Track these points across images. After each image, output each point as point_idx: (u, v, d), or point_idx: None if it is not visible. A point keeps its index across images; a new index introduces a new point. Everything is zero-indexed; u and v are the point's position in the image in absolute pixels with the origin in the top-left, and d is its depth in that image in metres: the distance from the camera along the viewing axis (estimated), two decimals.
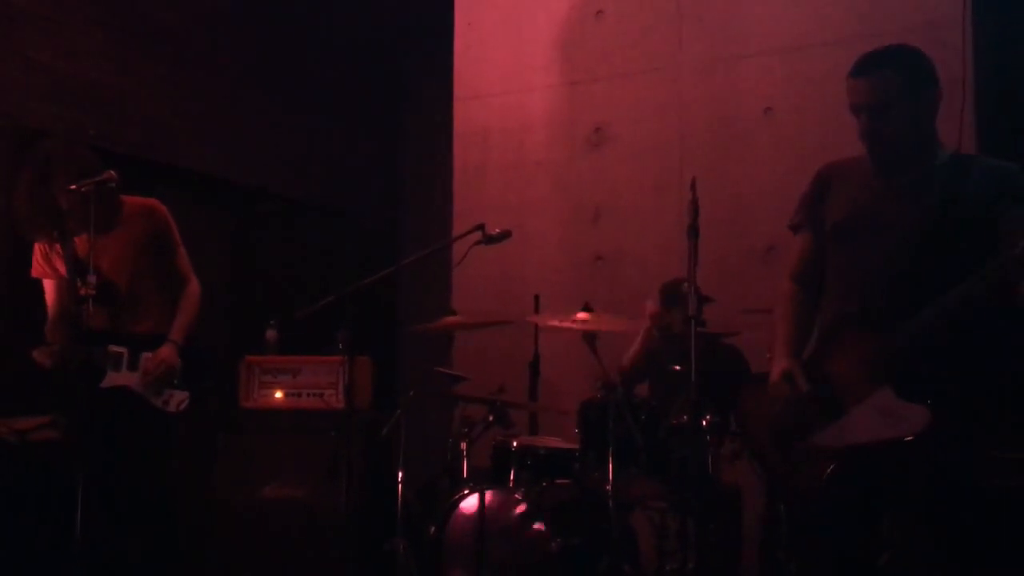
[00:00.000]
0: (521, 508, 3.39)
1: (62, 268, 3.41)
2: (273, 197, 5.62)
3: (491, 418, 3.76)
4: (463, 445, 3.77)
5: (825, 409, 2.31)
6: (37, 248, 3.50)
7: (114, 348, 3.41)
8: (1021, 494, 2.58)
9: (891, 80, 2.37)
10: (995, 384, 2.29)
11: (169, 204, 3.69)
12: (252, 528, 4.14)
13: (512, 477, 3.62)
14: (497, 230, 3.72)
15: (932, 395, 2.16)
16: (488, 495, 3.42)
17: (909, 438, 2.16)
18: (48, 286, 3.52)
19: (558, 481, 3.66)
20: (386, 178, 6.20)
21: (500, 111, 5.24)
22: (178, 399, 3.48)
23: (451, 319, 3.93)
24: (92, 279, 3.09)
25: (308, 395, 4.41)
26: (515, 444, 3.74)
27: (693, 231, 3.32)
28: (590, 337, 3.55)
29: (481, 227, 3.67)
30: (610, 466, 3.35)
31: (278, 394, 4.44)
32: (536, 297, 4.44)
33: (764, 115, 4.61)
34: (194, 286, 3.65)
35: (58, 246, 3.38)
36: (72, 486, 3.07)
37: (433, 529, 3.51)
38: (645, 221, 4.83)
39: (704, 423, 3.35)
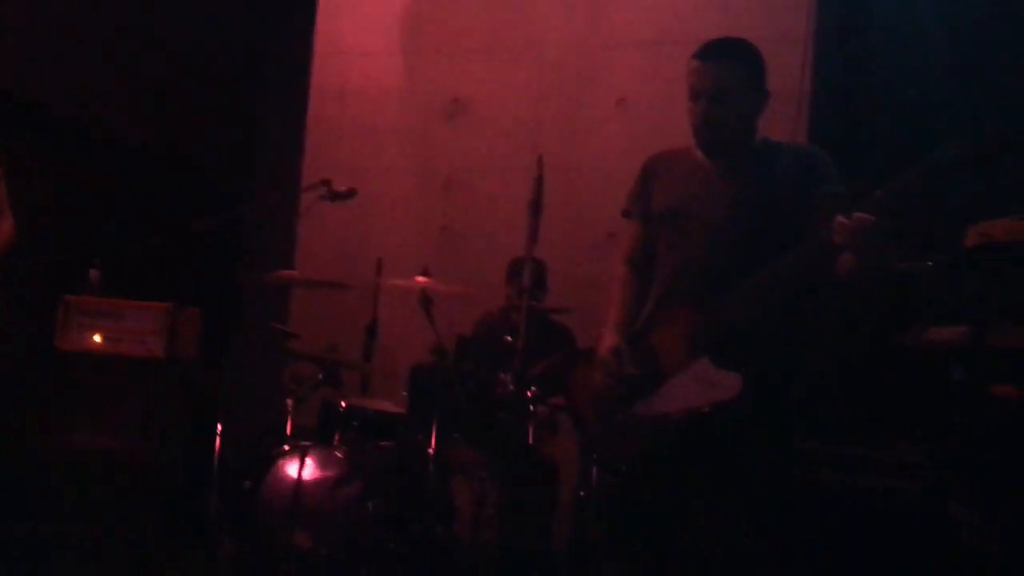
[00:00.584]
0: (340, 468, 3.36)
1: None
2: (109, 134, 5.32)
3: (320, 377, 3.71)
4: (289, 402, 3.71)
5: (648, 381, 2.40)
6: None
7: None
8: (828, 489, 2.77)
9: (735, 69, 2.47)
10: (806, 362, 2.45)
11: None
12: (62, 475, 3.94)
13: (337, 437, 3.60)
14: (343, 188, 3.67)
15: (745, 365, 2.27)
16: (308, 453, 3.38)
17: (720, 401, 2.26)
18: None
19: (382, 443, 3.66)
20: (240, 128, 5.99)
21: (359, 72, 5.16)
22: None
23: (286, 273, 3.85)
24: None
25: (129, 341, 4.23)
26: (343, 404, 3.71)
27: (535, 206, 3.39)
28: (426, 302, 3.56)
29: (327, 183, 3.61)
30: (433, 431, 3.37)
31: (97, 337, 4.24)
32: (378, 260, 4.40)
33: (616, 106, 4.73)
34: (8, 224, 3.43)
35: None
36: None
37: (248, 484, 3.43)
38: (494, 197, 4.86)
39: (528, 394, 3.43)
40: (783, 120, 4.25)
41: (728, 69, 2.47)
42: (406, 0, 5.12)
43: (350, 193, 3.64)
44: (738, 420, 2.28)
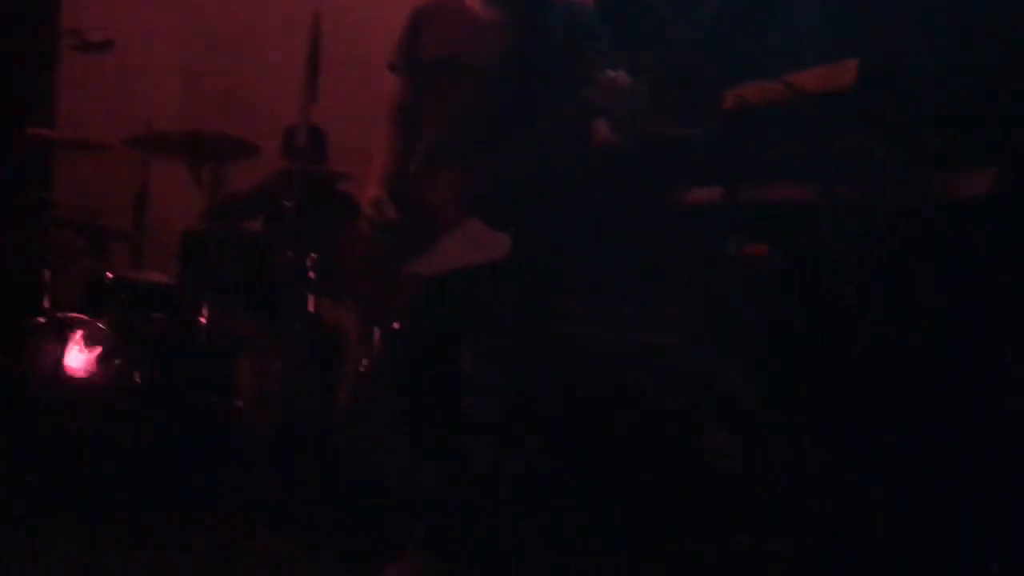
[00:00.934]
0: (104, 340, 3.17)
1: None
2: None
3: (82, 246, 3.45)
4: (47, 274, 3.44)
5: (416, 239, 2.35)
6: None
7: None
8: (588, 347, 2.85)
9: None
10: (573, 223, 2.47)
11: None
12: None
13: (101, 311, 3.38)
14: (98, 38, 3.34)
15: (515, 226, 2.26)
16: (67, 327, 3.17)
17: (488, 261, 2.26)
18: None
19: (154, 316, 3.48)
20: None
21: None
22: None
23: (40, 131, 3.50)
24: None
25: None
26: (109, 276, 3.48)
27: (311, 67, 3.23)
28: (196, 167, 3.35)
29: (78, 32, 3.27)
30: (207, 302, 3.22)
31: None
32: (148, 122, 4.08)
33: None
34: None
35: None
36: None
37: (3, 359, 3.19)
38: (272, 59, 4.59)
39: (309, 262, 3.33)
40: None
41: None
42: None
43: (106, 44, 3.32)
44: (505, 279, 2.28)
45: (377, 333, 3.23)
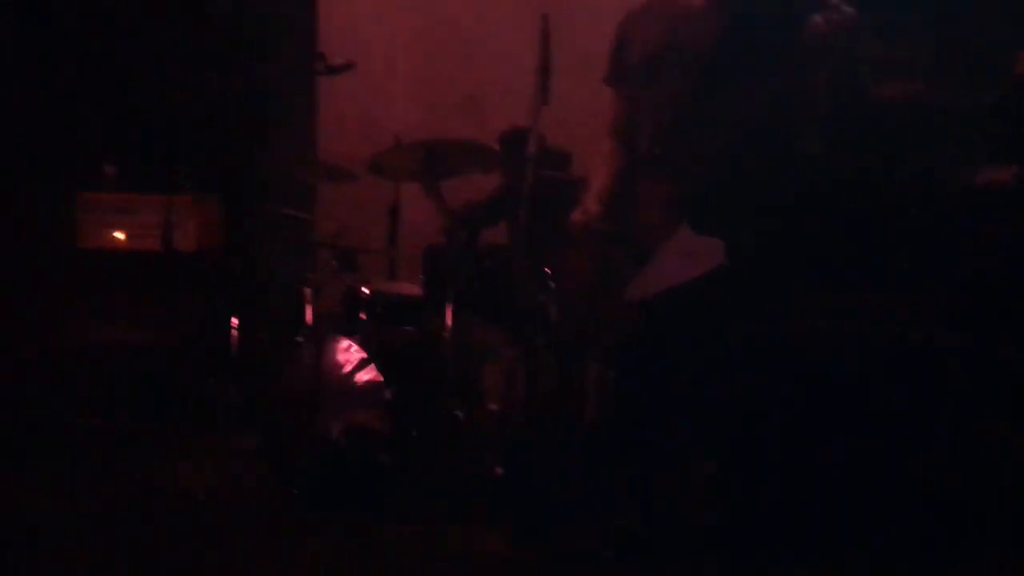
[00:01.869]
0: (357, 355, 3.26)
1: None
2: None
3: (333, 263, 3.58)
4: (307, 291, 3.61)
5: (630, 257, 2.20)
6: None
7: None
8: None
9: None
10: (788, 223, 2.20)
11: None
12: (84, 371, 3.95)
13: (359, 324, 3.50)
14: (340, 60, 3.44)
15: (727, 230, 2.05)
16: (324, 342, 3.29)
17: (701, 275, 2.07)
18: None
19: (405, 329, 3.55)
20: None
21: None
22: None
23: (302, 160, 3.67)
24: None
25: (147, 236, 4.15)
26: (365, 290, 3.59)
27: (542, 69, 3.13)
28: (430, 180, 3.36)
29: (320, 56, 3.38)
30: (448, 313, 3.22)
31: (119, 234, 4.17)
32: (396, 136, 4.19)
33: None
34: None
35: None
36: None
37: (268, 376, 3.38)
38: (517, 60, 4.55)
39: (547, 270, 3.24)
40: None
41: None
42: None
43: (347, 66, 3.40)
44: (726, 287, 2.06)
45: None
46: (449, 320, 3.21)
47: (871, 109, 2.27)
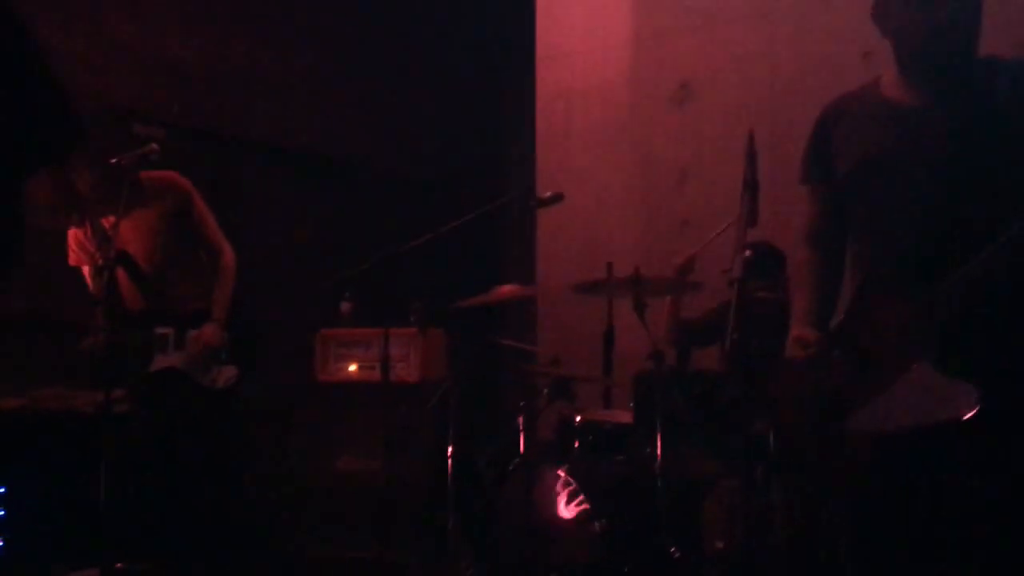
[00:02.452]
0: (565, 487, 3.21)
1: (96, 253, 3.39)
2: (354, 166, 5.56)
3: (546, 392, 3.59)
4: (520, 419, 3.62)
5: (861, 386, 1.99)
6: (71, 235, 3.46)
7: (160, 329, 3.43)
8: None
9: None
10: None
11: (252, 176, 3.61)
12: (326, 500, 4.15)
13: (571, 453, 3.46)
14: (548, 193, 3.54)
15: (980, 370, 1.82)
16: (534, 472, 3.26)
17: (959, 420, 1.82)
18: (86, 272, 3.52)
19: (616, 457, 3.46)
20: (476, 147, 6.06)
21: (582, 70, 5.01)
22: (226, 375, 3.48)
23: (504, 289, 3.76)
24: (111, 253, 3.09)
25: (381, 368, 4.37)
26: (578, 419, 3.57)
27: (750, 186, 3.05)
28: (640, 305, 3.32)
29: (529, 190, 3.50)
30: (658, 442, 3.11)
31: (352, 367, 4.42)
32: (609, 265, 4.21)
33: (863, 60, 4.18)
34: (228, 256, 3.54)
35: (88, 230, 3.39)
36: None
37: (480, 505, 3.39)
38: (734, 183, 4.48)
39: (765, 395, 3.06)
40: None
41: None
42: None
43: (556, 198, 3.50)
44: (977, 438, 1.81)
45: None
46: (659, 449, 3.09)
47: None
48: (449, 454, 3.56)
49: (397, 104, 5.70)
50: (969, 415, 1.81)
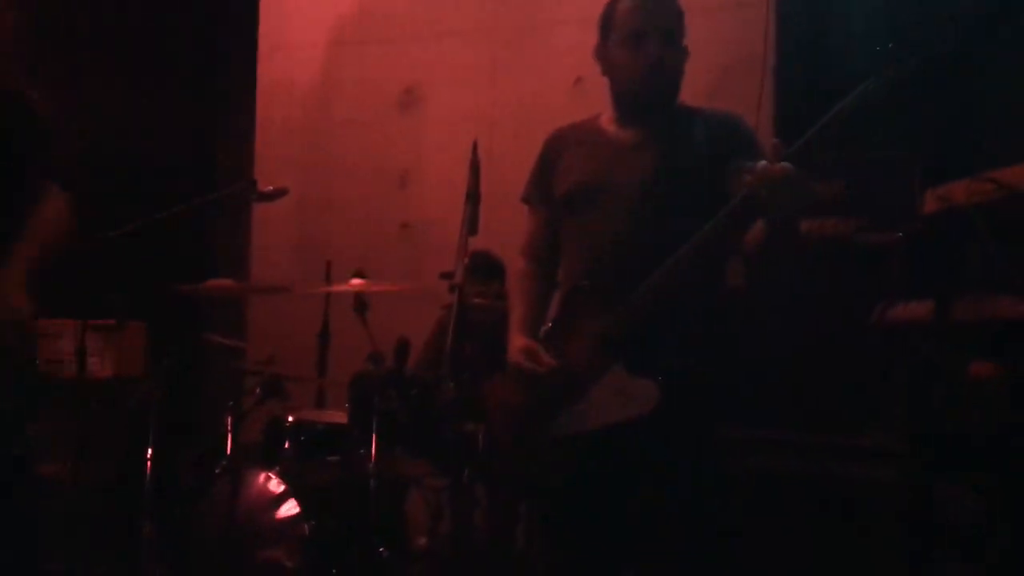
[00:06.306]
0: (277, 488, 3.13)
1: None
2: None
3: (258, 391, 3.48)
4: (228, 419, 3.48)
5: (564, 392, 2.14)
6: None
7: None
8: (769, 475, 2.52)
9: (674, 9, 2.23)
10: (723, 355, 2.19)
11: None
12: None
13: (282, 454, 3.38)
14: (271, 187, 3.44)
15: (660, 369, 2.03)
16: (242, 474, 3.16)
17: (637, 416, 2.02)
18: None
19: (329, 459, 3.43)
20: (190, 132, 5.75)
21: (306, 64, 4.93)
22: None
23: (217, 282, 3.62)
24: None
25: (70, 363, 4.01)
26: (289, 418, 3.49)
27: (472, 196, 3.15)
28: (361, 306, 3.32)
29: (252, 183, 3.38)
30: (373, 443, 3.13)
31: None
32: (328, 263, 4.17)
33: (575, 84, 4.47)
34: None
35: None
36: None
37: (180, 512, 3.22)
38: (454, 189, 4.60)
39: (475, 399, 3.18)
40: (746, 87, 3.98)
41: (673, 6, 2.23)
42: None
43: (279, 192, 3.40)
44: (655, 430, 2.02)
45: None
46: (374, 450, 3.11)
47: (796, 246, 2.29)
48: (148, 456, 3.35)
49: (106, 80, 5.27)
50: (648, 410, 2.02)
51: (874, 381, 2.61)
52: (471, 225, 3.17)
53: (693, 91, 2.36)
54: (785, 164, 1.86)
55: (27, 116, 2.63)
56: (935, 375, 2.52)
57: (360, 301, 3.34)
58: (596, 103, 4.35)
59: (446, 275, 3.71)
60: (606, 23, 2.26)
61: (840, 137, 1.91)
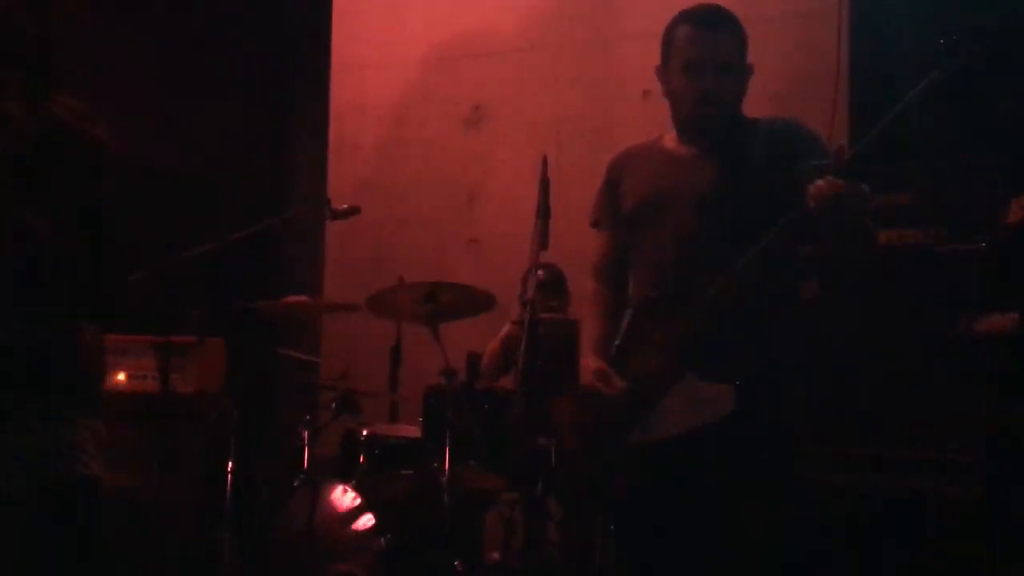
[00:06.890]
0: (352, 501, 3.18)
1: None
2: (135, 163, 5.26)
3: (334, 405, 3.55)
4: (304, 434, 3.56)
5: (635, 407, 2.15)
6: None
7: None
8: (843, 491, 2.49)
9: (730, 40, 2.24)
10: (797, 364, 2.17)
11: None
12: None
13: (357, 468, 3.43)
14: (344, 206, 3.52)
15: (734, 373, 2.03)
16: (319, 489, 3.22)
17: (715, 421, 2.02)
18: None
19: (403, 472, 3.48)
20: (265, 154, 5.90)
21: (376, 84, 5.02)
22: None
23: (292, 299, 3.70)
24: None
25: (153, 378, 4.14)
26: (364, 433, 3.55)
27: (542, 211, 3.17)
28: (432, 322, 3.37)
29: (326, 202, 3.46)
30: (447, 457, 3.16)
31: (120, 376, 4.16)
32: (400, 279, 4.23)
33: (643, 98, 4.47)
34: None
35: None
36: None
37: (259, 524, 3.29)
38: (521, 204, 4.64)
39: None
40: (820, 100, 3.94)
41: (730, 37, 2.24)
42: (419, 9, 4.97)
43: (351, 211, 3.48)
44: (736, 437, 2.01)
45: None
46: (447, 464, 3.15)
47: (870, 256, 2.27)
48: (229, 470, 3.44)
49: (181, 102, 5.44)
50: (724, 414, 2.02)
51: (955, 394, 2.56)
52: (542, 240, 3.20)
53: (765, 99, 2.36)
54: (836, 181, 1.87)
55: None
56: (1018, 388, 2.46)
57: (433, 316, 3.38)
58: (664, 116, 4.33)
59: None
60: (666, 47, 2.30)
61: (917, 142, 1.90)
